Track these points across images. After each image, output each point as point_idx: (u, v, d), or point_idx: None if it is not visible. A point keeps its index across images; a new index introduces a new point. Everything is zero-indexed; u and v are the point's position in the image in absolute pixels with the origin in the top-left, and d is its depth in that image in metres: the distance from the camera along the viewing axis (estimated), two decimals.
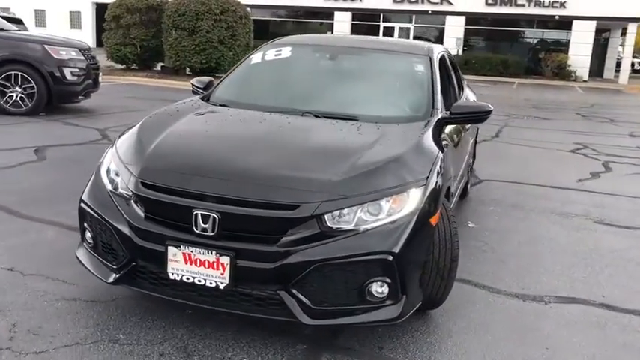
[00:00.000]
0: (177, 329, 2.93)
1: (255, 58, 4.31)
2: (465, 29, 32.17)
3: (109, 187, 2.95)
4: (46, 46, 9.11)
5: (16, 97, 8.95)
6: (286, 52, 4.30)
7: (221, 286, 2.60)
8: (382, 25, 33.33)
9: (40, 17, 41.19)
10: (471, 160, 5.74)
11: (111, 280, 2.82)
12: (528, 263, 4.13)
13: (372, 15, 33.27)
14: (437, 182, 2.96)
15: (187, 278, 2.64)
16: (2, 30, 9.28)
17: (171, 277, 2.66)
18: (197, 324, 2.97)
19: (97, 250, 2.98)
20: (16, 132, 7.83)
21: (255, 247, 2.58)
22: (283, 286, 2.60)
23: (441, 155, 3.17)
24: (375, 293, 2.66)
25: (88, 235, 3.01)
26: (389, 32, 33.12)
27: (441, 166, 3.09)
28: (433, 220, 2.85)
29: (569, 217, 5.38)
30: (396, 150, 3.01)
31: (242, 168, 2.79)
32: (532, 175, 7.01)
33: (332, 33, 32.44)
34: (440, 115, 3.66)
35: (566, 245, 4.59)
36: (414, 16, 32.84)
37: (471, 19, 31.92)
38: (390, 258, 2.61)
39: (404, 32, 33.09)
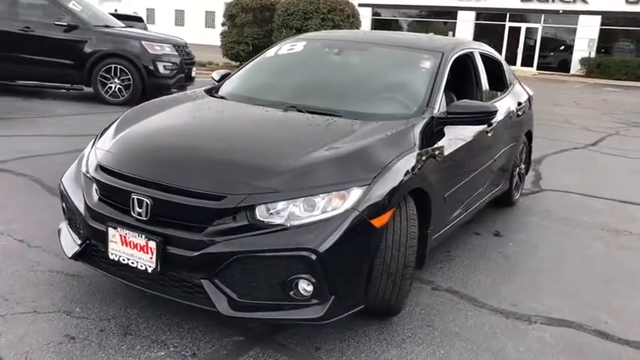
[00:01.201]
0: (131, 309, 3.05)
1: (270, 52, 4.36)
2: (600, 30, 29.86)
3: (83, 169, 3.15)
4: (143, 42, 9.82)
5: (115, 88, 9.73)
6: (299, 46, 4.29)
7: (149, 270, 2.68)
8: (508, 25, 31.92)
9: (180, 17, 44.29)
10: (518, 166, 5.35)
11: (70, 254, 3.01)
12: (538, 280, 3.79)
13: (498, 15, 31.96)
14: (389, 183, 2.81)
15: (123, 259, 2.75)
16: (108, 27, 10.12)
17: (111, 257, 2.78)
18: (151, 305, 3.08)
19: (70, 226, 3.20)
20: (113, 119, 8.50)
21: (182, 234, 2.63)
22: (207, 276, 2.62)
23: (409, 155, 3.01)
24: (300, 291, 2.60)
25: (65, 211, 3.24)
26: (515, 33, 31.68)
27: (402, 166, 2.93)
28: (377, 222, 2.72)
29: (621, 234, 4.85)
30: (351, 147, 2.91)
31: (183, 155, 2.85)
32: (604, 188, 6.39)
33: (454, 34, 31.65)
34: (435, 115, 3.47)
35: (598, 264, 4.15)
36: (542, 16, 31.09)
37: (608, 18, 29.58)
38: (313, 256, 2.53)
39: (531, 33, 31.46)
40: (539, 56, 31.60)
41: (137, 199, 2.70)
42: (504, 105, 4.68)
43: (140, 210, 2.69)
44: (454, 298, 3.44)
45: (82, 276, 3.37)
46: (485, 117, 3.52)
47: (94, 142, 3.32)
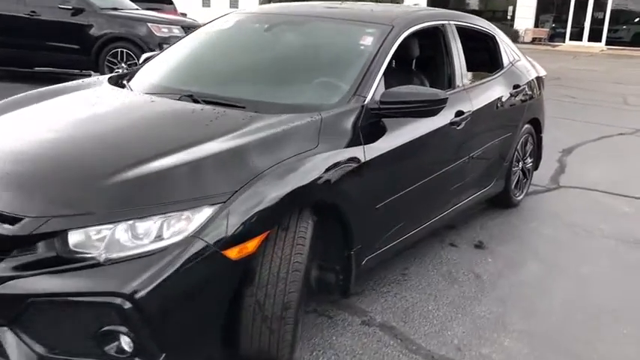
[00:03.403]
0: None
1: (198, 31, 3.70)
2: None
3: None
4: (149, 24, 9.35)
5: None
6: (229, 23, 3.61)
7: None
8: None
9: None
10: (520, 161, 4.48)
11: None
12: (507, 312, 3.00)
13: None
14: (261, 198, 2.12)
15: None
16: (115, 9, 9.72)
17: None
18: None
19: None
20: None
21: None
22: (7, 322, 2.03)
23: (306, 159, 2.31)
24: (122, 346, 1.97)
25: None
26: (582, 5, 29.44)
27: (289, 174, 2.23)
28: (235, 253, 2.05)
29: (639, 248, 3.93)
30: (216, 150, 2.22)
31: None
32: (637, 184, 5.37)
33: (514, 9, 29.76)
34: (366, 104, 2.74)
35: (594, 291, 3.29)
36: None
37: None
38: (127, 304, 1.88)
39: (600, 5, 29.14)
40: (609, 30, 29.25)
41: None
42: (489, 90, 3.84)
43: None
44: (384, 338, 2.72)
45: None
46: (427, 107, 2.75)
47: None
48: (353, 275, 2.71)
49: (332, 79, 2.94)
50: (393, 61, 3.96)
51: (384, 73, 3.00)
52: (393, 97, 2.75)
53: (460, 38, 3.69)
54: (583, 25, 29.44)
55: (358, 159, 2.60)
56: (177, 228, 2.00)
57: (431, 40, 3.60)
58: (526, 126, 4.44)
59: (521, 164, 4.53)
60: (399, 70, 3.83)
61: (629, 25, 29.33)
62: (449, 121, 3.29)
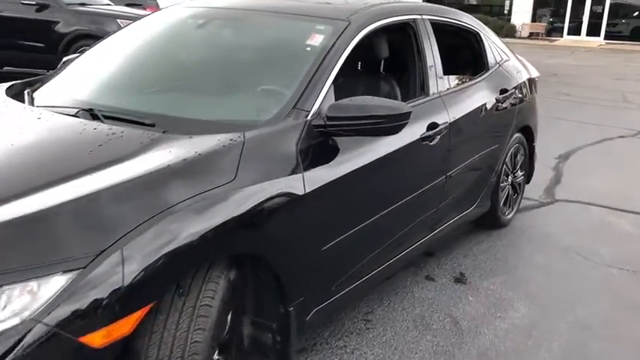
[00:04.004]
0: None
1: (125, 29, 3.12)
2: None
3: None
4: (119, 20, 8.74)
5: None
6: (162, 17, 3.04)
7: None
8: None
9: None
10: (510, 174, 3.92)
11: None
12: None
13: None
14: (140, 258, 1.55)
15: None
16: (83, 4, 9.13)
17: None
18: None
19: None
20: None
21: None
22: None
23: (214, 198, 1.75)
24: None
25: None
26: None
27: (182, 222, 1.66)
28: (98, 338, 1.48)
29: None
30: (80, 193, 1.64)
31: None
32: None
33: (511, 3, 29.16)
34: (309, 120, 2.17)
35: (593, 344, 2.74)
36: None
37: None
38: None
39: None
40: (608, 24, 28.64)
41: None
42: (470, 96, 3.27)
43: None
44: None
45: None
46: (384, 124, 2.19)
47: None
48: (293, 336, 2.15)
49: (267, 89, 2.37)
50: (359, 63, 3.43)
51: (342, 79, 2.45)
52: (341, 111, 2.18)
53: (437, 36, 3.12)
54: (581, 19, 28.84)
55: (294, 192, 2.04)
56: (17, 305, 1.44)
57: (400, 39, 3.03)
58: (516, 135, 3.87)
59: (510, 178, 3.97)
60: (366, 75, 3.27)
61: (628, 19, 28.76)
62: (419, 137, 2.73)
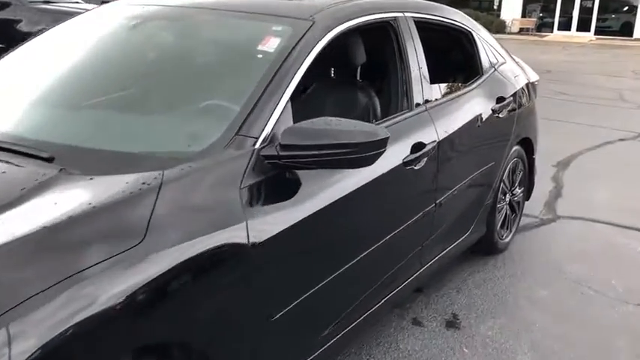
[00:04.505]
0: None
1: (51, 30, 2.61)
2: None
3: None
4: None
5: None
6: (92, 18, 2.53)
7: None
8: None
9: None
10: (507, 193, 3.44)
11: None
12: None
13: None
14: None
15: None
16: (48, 2, 8.57)
17: None
18: None
19: None
20: None
21: None
22: None
23: (109, 272, 1.25)
24: None
25: None
26: None
27: (62, 308, 1.17)
28: None
29: None
30: None
31: None
32: None
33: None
34: (258, 148, 1.68)
35: None
36: None
37: None
38: None
39: None
40: (598, 19, 28.31)
41: None
42: (462, 107, 2.78)
43: None
44: None
45: None
46: (354, 154, 1.69)
47: None
48: None
49: (203, 109, 1.87)
50: (332, 69, 2.93)
51: (309, 91, 1.96)
52: (299, 137, 1.68)
53: (422, 37, 2.63)
54: (571, 14, 28.51)
55: (233, 249, 1.54)
56: None
57: (379, 41, 2.53)
58: (515, 148, 3.39)
59: (508, 197, 3.49)
60: (339, 85, 2.77)
61: (618, 14, 28.50)
62: (402, 161, 2.23)
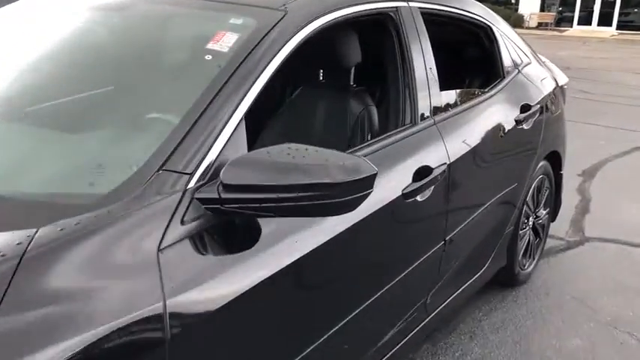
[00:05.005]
0: None
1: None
2: None
3: None
4: None
5: None
6: (24, 8, 2.04)
7: None
8: None
9: None
10: (530, 216, 2.92)
11: None
12: None
13: None
14: None
15: None
16: None
17: None
18: None
19: None
20: None
21: None
22: None
23: None
24: None
25: None
26: None
27: None
28: None
29: None
30: None
31: None
32: None
33: None
34: (186, 190, 1.18)
35: None
36: None
37: None
38: None
39: None
40: (620, 13, 27.43)
41: None
42: (480, 119, 2.27)
43: None
44: None
45: None
46: (331, 198, 1.20)
47: None
48: None
49: (119, 131, 1.37)
50: (321, 72, 2.42)
51: (290, 99, 1.49)
52: (248, 174, 1.18)
53: (430, 32, 2.12)
54: (592, 8, 27.63)
55: (144, 343, 1.05)
56: None
57: (377, 36, 2.03)
58: (541, 164, 2.87)
59: (531, 220, 2.98)
60: (328, 90, 2.25)
61: None
62: (400, 193, 1.73)
